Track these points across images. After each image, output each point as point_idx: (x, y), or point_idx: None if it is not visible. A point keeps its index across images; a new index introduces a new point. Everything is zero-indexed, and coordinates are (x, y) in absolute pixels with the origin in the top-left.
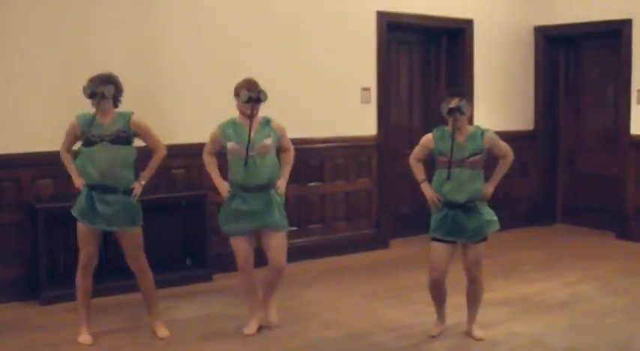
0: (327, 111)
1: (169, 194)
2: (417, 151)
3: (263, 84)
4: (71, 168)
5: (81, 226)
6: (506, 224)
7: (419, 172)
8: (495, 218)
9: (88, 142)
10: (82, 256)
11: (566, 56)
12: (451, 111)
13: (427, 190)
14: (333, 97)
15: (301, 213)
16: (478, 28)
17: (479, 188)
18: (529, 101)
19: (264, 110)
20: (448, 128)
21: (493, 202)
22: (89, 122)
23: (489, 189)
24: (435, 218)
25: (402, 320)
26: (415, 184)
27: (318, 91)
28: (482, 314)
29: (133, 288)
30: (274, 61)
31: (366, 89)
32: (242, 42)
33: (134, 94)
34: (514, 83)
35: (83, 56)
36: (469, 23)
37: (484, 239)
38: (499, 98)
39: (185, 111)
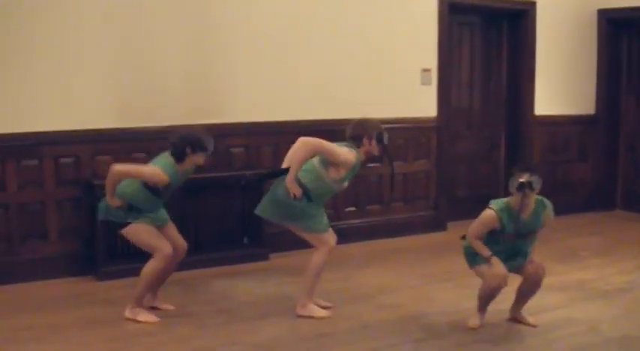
0: (387, 92)
1: (228, 173)
2: (479, 231)
3: (323, 67)
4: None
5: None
6: (564, 209)
7: (483, 249)
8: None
9: None
10: None
11: (629, 40)
12: (521, 186)
13: (498, 264)
14: (393, 78)
15: (360, 194)
16: (540, 11)
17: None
18: (590, 85)
19: (324, 92)
20: (511, 204)
21: (553, 187)
22: None
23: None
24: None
25: (457, 304)
26: (473, 168)
27: (378, 73)
28: (539, 299)
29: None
30: (334, 45)
31: (426, 70)
32: (299, 25)
33: (190, 76)
34: (576, 67)
35: (140, 36)
36: (532, 5)
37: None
38: (560, 82)
39: (241, 91)
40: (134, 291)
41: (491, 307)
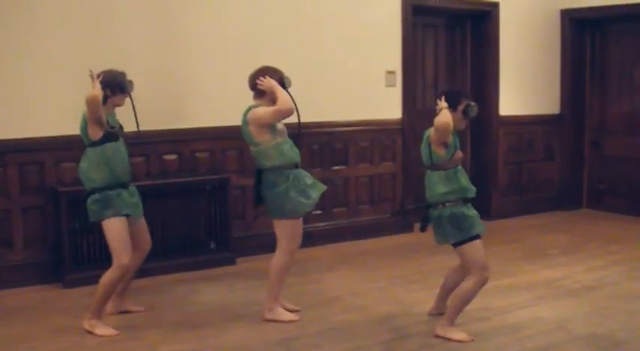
0: (351, 94)
1: (193, 178)
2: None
3: (287, 68)
4: None
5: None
6: (531, 208)
7: None
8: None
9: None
10: None
11: (592, 39)
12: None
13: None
14: (357, 80)
15: (325, 197)
16: (504, 11)
17: None
18: (555, 85)
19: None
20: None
21: (519, 187)
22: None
23: None
24: (472, 214)
25: (426, 304)
26: None
27: (342, 75)
28: (507, 298)
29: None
30: (298, 45)
31: (390, 72)
32: (264, 26)
33: (156, 79)
34: (540, 67)
35: (105, 41)
36: (495, 6)
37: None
38: (525, 82)
39: (207, 95)
40: (91, 302)
41: (479, 303)
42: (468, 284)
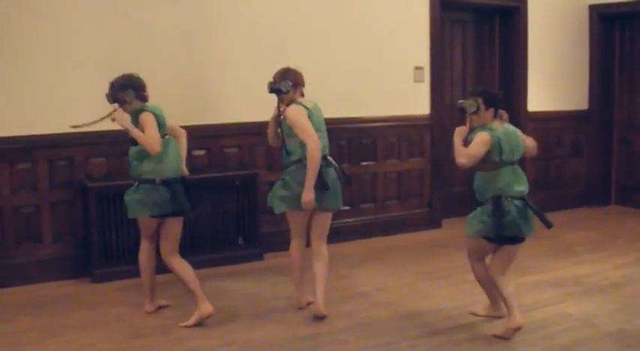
0: (379, 90)
1: (222, 173)
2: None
3: (315, 64)
4: None
5: None
6: (559, 205)
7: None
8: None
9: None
10: None
11: (621, 35)
12: (460, 111)
13: None
14: (386, 76)
15: (353, 192)
16: (532, 7)
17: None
18: (583, 80)
19: (317, 90)
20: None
21: (547, 183)
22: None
23: None
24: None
25: (453, 301)
26: None
27: (370, 71)
28: (534, 294)
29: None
30: (326, 42)
31: (419, 68)
32: (291, 23)
33: (183, 76)
34: (568, 62)
35: (133, 38)
36: (523, 2)
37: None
38: (553, 77)
39: (235, 91)
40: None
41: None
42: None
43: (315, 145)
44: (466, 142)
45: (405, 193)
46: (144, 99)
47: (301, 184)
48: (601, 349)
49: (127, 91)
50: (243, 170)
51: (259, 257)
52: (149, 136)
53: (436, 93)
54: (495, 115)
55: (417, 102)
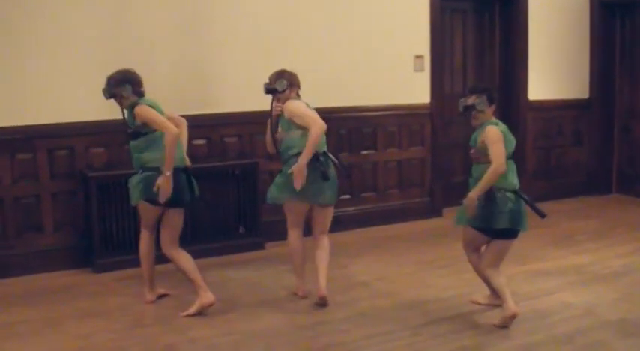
0: (380, 79)
1: (222, 163)
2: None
3: (316, 53)
4: None
5: None
6: (560, 194)
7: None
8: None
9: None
10: None
11: (621, 23)
12: (465, 109)
13: None
14: (386, 65)
15: (354, 181)
16: None
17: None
18: (584, 69)
19: (318, 78)
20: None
21: (548, 172)
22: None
23: (470, 196)
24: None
25: (454, 290)
26: (467, 154)
27: (370, 60)
28: (536, 283)
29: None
30: (326, 31)
31: (419, 57)
32: (291, 12)
33: (183, 66)
34: (569, 51)
35: (132, 29)
36: None
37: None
38: (553, 66)
39: (234, 80)
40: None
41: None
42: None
43: (319, 127)
44: (473, 141)
45: (406, 182)
46: (140, 94)
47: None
48: (602, 337)
49: (124, 86)
50: (244, 160)
51: (260, 246)
52: (159, 123)
53: (436, 82)
54: (495, 111)
55: (417, 91)
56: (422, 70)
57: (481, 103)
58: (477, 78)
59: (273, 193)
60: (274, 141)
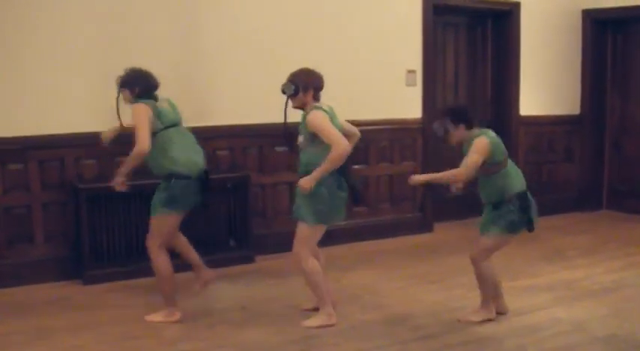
0: (372, 94)
1: (213, 175)
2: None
3: (307, 66)
4: None
5: None
6: (551, 209)
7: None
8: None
9: None
10: None
11: (613, 40)
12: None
13: None
14: (378, 79)
15: None
16: (525, 11)
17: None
18: (575, 85)
19: None
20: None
21: (539, 187)
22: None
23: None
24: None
25: (445, 304)
26: None
27: (363, 74)
28: (526, 298)
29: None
30: (319, 45)
31: (411, 72)
32: (284, 25)
33: (175, 77)
34: (561, 67)
35: (125, 39)
36: (516, 6)
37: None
38: (545, 82)
39: (227, 93)
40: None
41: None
42: None
43: (343, 149)
44: (465, 151)
45: (397, 196)
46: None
47: (337, 195)
48: None
49: (123, 90)
50: (235, 172)
51: (250, 260)
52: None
53: (428, 96)
54: (471, 128)
55: (409, 105)
56: (414, 84)
57: (440, 128)
58: (469, 93)
59: (306, 216)
60: (290, 146)
